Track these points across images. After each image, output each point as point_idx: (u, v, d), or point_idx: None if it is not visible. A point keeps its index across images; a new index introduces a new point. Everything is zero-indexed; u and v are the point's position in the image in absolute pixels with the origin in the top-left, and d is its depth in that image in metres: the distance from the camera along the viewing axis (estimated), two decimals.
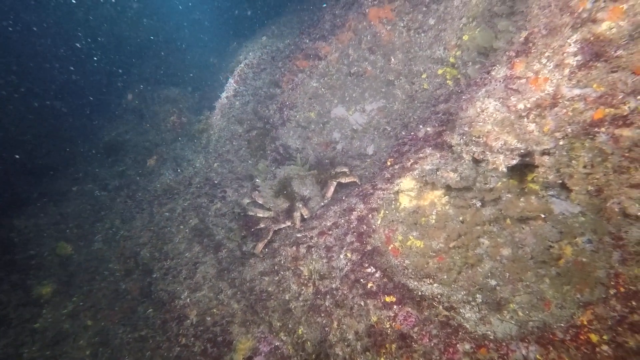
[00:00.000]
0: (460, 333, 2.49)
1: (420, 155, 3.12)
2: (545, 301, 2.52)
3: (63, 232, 5.94)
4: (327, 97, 5.30)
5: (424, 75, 4.31)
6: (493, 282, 2.75)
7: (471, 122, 2.53)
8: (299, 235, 3.62)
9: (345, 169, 4.26)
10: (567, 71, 2.11)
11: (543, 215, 2.65)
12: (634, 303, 2.04)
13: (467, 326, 2.54)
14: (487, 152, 2.52)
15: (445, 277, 2.87)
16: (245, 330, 3.46)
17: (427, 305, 2.68)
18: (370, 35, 4.79)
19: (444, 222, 3.01)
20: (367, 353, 2.70)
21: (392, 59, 4.65)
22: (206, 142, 6.26)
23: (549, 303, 2.50)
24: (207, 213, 4.98)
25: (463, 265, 2.86)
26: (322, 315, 3.01)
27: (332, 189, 4.15)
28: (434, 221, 3.08)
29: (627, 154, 1.95)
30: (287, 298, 3.31)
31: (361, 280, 2.94)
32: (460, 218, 2.98)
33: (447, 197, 3.08)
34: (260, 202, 4.53)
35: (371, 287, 2.87)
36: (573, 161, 2.23)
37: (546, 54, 2.20)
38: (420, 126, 3.52)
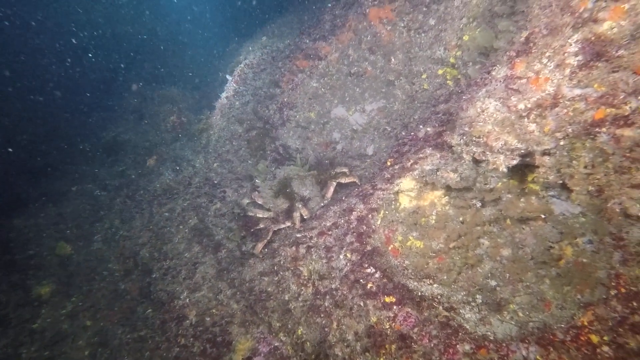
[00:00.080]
0: (460, 334, 2.49)
1: (420, 155, 3.11)
2: (545, 302, 2.51)
3: (62, 232, 5.93)
4: (327, 97, 5.29)
5: (424, 76, 4.31)
6: (493, 283, 2.74)
7: (471, 122, 2.53)
8: (298, 235, 3.61)
9: (345, 170, 4.25)
10: (568, 71, 2.10)
11: (543, 216, 2.65)
12: (634, 304, 2.03)
13: (467, 327, 2.53)
14: (488, 153, 2.51)
15: (445, 277, 2.86)
16: (245, 330, 3.45)
17: (427, 306, 2.67)
18: (371, 35, 4.78)
19: (444, 222, 3.00)
20: (367, 354, 2.70)
21: (392, 59, 4.64)
22: (206, 142, 6.25)
23: (549, 304, 2.49)
24: (206, 213, 4.97)
25: (463, 266, 2.85)
26: (322, 315, 3.01)
27: (331, 189, 4.14)
28: (434, 221, 3.07)
29: (628, 154, 1.94)
30: (286, 298, 3.30)
31: (361, 280, 2.93)
32: (460, 218, 2.97)
33: (447, 197, 3.08)
34: (259, 202, 4.52)
35: (371, 287, 2.86)
36: (574, 161, 2.22)
37: (547, 54, 2.19)
38: (421, 126, 3.52)
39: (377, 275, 2.90)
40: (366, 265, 2.98)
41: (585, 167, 2.17)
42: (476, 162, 2.72)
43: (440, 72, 4.10)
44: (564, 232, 2.55)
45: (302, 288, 3.25)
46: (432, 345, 2.50)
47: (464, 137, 2.61)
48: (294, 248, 3.49)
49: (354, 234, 3.22)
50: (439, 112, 3.51)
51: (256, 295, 3.53)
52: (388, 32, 4.62)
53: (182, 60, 11.99)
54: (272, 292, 3.43)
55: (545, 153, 2.34)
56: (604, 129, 2.01)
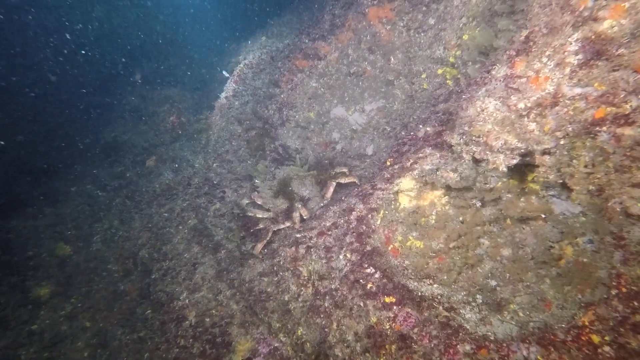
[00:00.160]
0: (461, 334, 2.48)
1: (420, 155, 3.10)
2: (546, 302, 2.50)
3: (62, 233, 5.92)
4: (327, 97, 5.28)
5: (423, 75, 4.30)
6: (493, 283, 2.73)
7: (471, 122, 2.52)
8: (298, 235, 3.60)
9: (345, 169, 4.24)
10: (568, 70, 2.10)
11: (543, 216, 2.64)
12: (636, 303, 2.02)
13: (468, 327, 2.52)
14: (487, 152, 2.50)
15: (445, 277, 2.85)
16: (244, 331, 3.44)
17: (427, 306, 2.66)
18: (370, 35, 4.77)
19: (443, 222, 3.00)
20: (367, 354, 2.69)
21: (392, 59, 4.63)
22: (205, 143, 6.24)
23: (550, 304, 2.48)
24: (206, 213, 4.96)
25: (463, 266, 2.85)
26: (322, 316, 3.00)
27: (331, 189, 4.13)
28: (433, 221, 3.06)
29: (628, 153, 1.93)
30: (286, 299, 3.29)
31: (361, 280, 2.92)
32: (460, 218, 2.96)
33: (447, 197, 3.07)
34: (259, 202, 4.51)
35: (371, 287, 2.85)
36: (574, 160, 2.21)
37: (547, 53, 2.18)
38: (420, 126, 3.51)
39: (377, 275, 2.89)
40: (366, 266, 2.97)
41: (586, 166, 2.16)
42: (476, 161, 2.71)
43: (439, 71, 4.09)
44: (565, 232, 2.54)
45: (302, 288, 3.24)
46: (433, 345, 2.49)
47: (464, 137, 2.60)
48: (293, 248, 3.48)
49: (354, 234, 3.21)
50: (438, 112, 3.50)
51: (256, 296, 3.52)
52: (387, 31, 4.61)
53: (182, 61, 11.97)
54: (272, 292, 3.42)
55: (545, 152, 2.33)
56: (604, 128, 2.00)
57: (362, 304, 2.82)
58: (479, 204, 2.90)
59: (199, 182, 5.54)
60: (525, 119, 2.30)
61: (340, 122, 5.18)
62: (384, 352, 2.61)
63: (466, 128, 2.55)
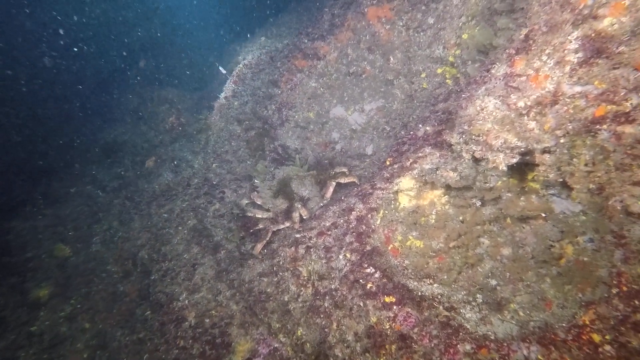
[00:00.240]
0: (461, 333, 2.47)
1: (420, 154, 3.09)
2: (546, 301, 2.50)
3: (61, 234, 5.90)
4: (326, 97, 5.28)
5: (423, 75, 4.29)
6: (493, 282, 2.72)
7: (471, 121, 2.51)
8: (297, 235, 3.59)
9: (345, 169, 4.23)
10: (568, 68, 2.09)
11: (544, 215, 2.63)
12: (637, 302, 2.01)
13: (468, 326, 2.51)
14: (487, 151, 2.49)
15: (445, 277, 2.84)
16: (244, 331, 3.43)
17: (427, 306, 2.65)
18: (369, 34, 4.77)
19: (443, 221, 2.99)
20: (367, 354, 2.68)
21: (391, 59, 4.63)
22: (205, 143, 6.23)
23: (550, 303, 2.47)
24: (205, 214, 4.94)
25: (463, 265, 2.84)
26: (322, 316, 2.99)
27: (331, 189, 4.12)
28: (433, 221, 3.05)
29: (629, 151, 1.92)
30: (286, 299, 3.28)
31: (360, 280, 2.91)
32: (460, 217, 2.96)
33: (446, 196, 3.06)
34: (259, 202, 4.50)
35: (370, 287, 2.84)
36: (574, 159, 2.21)
37: (547, 51, 2.17)
38: (420, 125, 3.50)
39: (376, 275, 2.88)
40: (366, 265, 2.96)
41: (586, 164, 2.15)
42: (476, 160, 2.71)
43: (439, 71, 4.08)
44: (565, 231, 2.54)
45: (302, 289, 3.23)
46: (433, 345, 2.48)
47: (464, 136, 2.59)
48: (293, 248, 3.47)
49: (354, 233, 3.20)
50: (438, 111, 3.49)
51: (255, 296, 3.51)
52: (387, 31, 4.60)
53: (181, 61, 11.97)
54: (272, 293, 3.41)
55: (545, 151, 2.33)
56: (604, 126, 1.99)
57: (362, 304, 2.82)
58: (479, 203, 2.90)
59: (199, 183, 5.53)
60: (525, 117, 2.29)
61: (340, 122, 5.17)
62: (384, 352, 2.60)
63: (466, 127, 2.55)
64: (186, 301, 3.94)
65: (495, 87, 2.42)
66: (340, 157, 4.90)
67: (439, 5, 4.06)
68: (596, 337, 2.11)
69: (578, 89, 2.07)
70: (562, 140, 2.22)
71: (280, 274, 3.44)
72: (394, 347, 2.58)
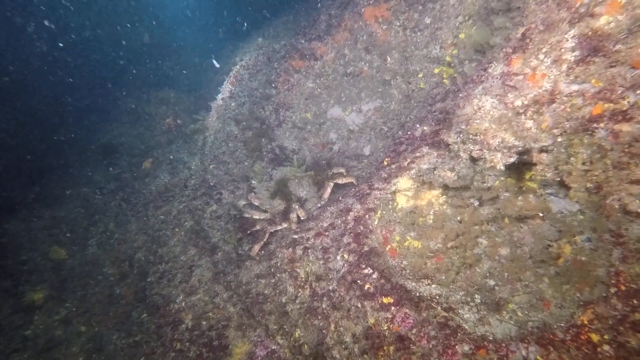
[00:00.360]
0: (459, 334, 2.45)
1: (417, 154, 3.08)
2: (544, 301, 2.48)
3: (56, 237, 5.86)
4: (323, 98, 5.26)
5: (420, 75, 4.29)
6: (492, 282, 2.71)
7: (468, 120, 2.50)
8: (295, 236, 3.57)
9: (342, 170, 4.22)
10: (564, 67, 2.08)
11: (541, 214, 2.62)
12: (635, 302, 2.00)
13: (466, 327, 2.50)
14: (485, 150, 2.48)
15: (443, 277, 2.83)
16: (242, 334, 3.40)
17: (425, 306, 2.63)
18: (366, 34, 4.76)
19: (441, 222, 2.97)
20: (365, 356, 2.65)
21: (388, 59, 4.62)
22: (202, 144, 6.20)
23: (549, 303, 2.46)
24: (202, 215, 4.91)
25: (461, 266, 2.82)
26: (319, 317, 2.96)
27: (329, 190, 4.10)
28: (431, 221, 3.04)
29: (627, 150, 1.91)
30: (283, 301, 3.26)
31: (358, 281, 2.89)
32: (458, 218, 2.94)
33: (444, 196, 3.05)
34: (256, 203, 4.48)
35: (368, 288, 2.82)
36: (571, 158, 2.20)
37: (543, 50, 2.17)
38: (417, 125, 3.49)
39: (374, 276, 2.87)
40: (363, 266, 2.95)
41: (584, 163, 2.14)
42: (473, 160, 2.70)
43: (436, 70, 4.08)
44: (563, 230, 2.53)
45: (299, 290, 3.21)
46: (431, 346, 2.46)
47: (461, 135, 2.58)
48: (290, 249, 3.45)
49: (351, 234, 3.18)
50: (435, 111, 3.48)
51: (253, 298, 3.48)
52: (384, 31, 4.60)
53: (178, 62, 11.93)
54: (269, 294, 3.38)
55: (542, 150, 2.32)
56: (602, 125, 1.98)
57: (359, 305, 2.80)
58: (476, 203, 2.89)
59: (196, 184, 5.50)
60: (523, 116, 2.29)
61: (337, 123, 5.16)
62: (382, 353, 2.58)
63: (463, 126, 2.54)
64: (183, 303, 3.91)
65: (493, 86, 2.41)
66: (338, 157, 4.88)
67: (436, 5, 4.06)
68: (595, 337, 2.10)
69: (575, 87, 2.06)
70: (559, 139, 2.21)
71: (278, 275, 3.42)
72: (392, 348, 2.56)
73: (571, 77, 2.07)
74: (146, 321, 4.08)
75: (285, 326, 3.16)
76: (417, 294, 2.73)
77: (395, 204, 3.18)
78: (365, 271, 2.92)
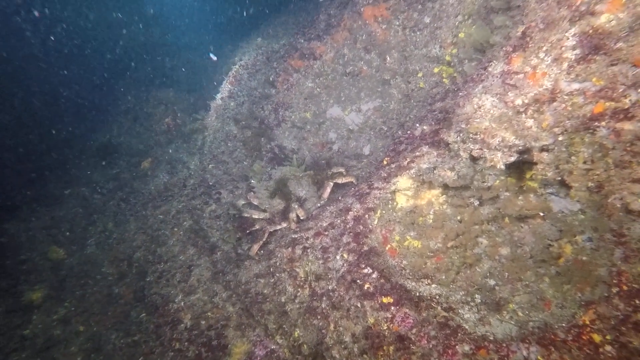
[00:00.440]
0: (460, 334, 2.44)
1: (417, 153, 3.07)
2: (545, 301, 2.47)
3: (55, 236, 5.84)
4: (323, 97, 5.25)
5: (420, 74, 4.27)
6: (492, 282, 2.70)
7: (468, 119, 2.49)
8: (294, 236, 3.56)
9: (342, 169, 4.21)
10: (565, 65, 2.07)
11: (542, 214, 2.61)
12: (637, 302, 1.99)
13: (466, 327, 2.48)
14: (485, 150, 2.47)
15: (443, 277, 2.81)
16: (241, 333, 3.39)
17: (425, 306, 2.62)
18: (366, 34, 4.75)
19: (441, 221, 2.96)
20: (365, 355, 2.64)
21: (388, 58, 4.61)
22: (201, 144, 6.19)
23: (549, 303, 2.45)
24: (201, 215, 4.90)
25: (461, 265, 2.81)
26: (319, 317, 2.95)
27: (328, 189, 4.09)
28: (431, 221, 3.02)
29: (629, 148, 1.90)
30: (282, 300, 3.24)
31: (358, 281, 2.88)
32: (458, 217, 2.93)
33: (444, 196, 3.03)
34: (255, 203, 4.47)
35: (368, 288, 2.81)
36: (572, 157, 2.18)
37: (544, 48, 2.16)
38: (417, 125, 3.48)
39: (374, 275, 2.85)
40: (363, 266, 2.93)
41: (585, 162, 2.13)
42: (473, 159, 2.68)
43: (436, 70, 4.07)
44: (563, 230, 2.51)
45: (299, 289, 3.20)
46: (431, 346, 2.45)
47: (461, 134, 2.57)
48: (290, 249, 3.44)
49: (351, 234, 3.17)
50: (435, 110, 3.47)
51: (252, 298, 3.47)
52: (383, 30, 4.59)
53: (177, 62, 11.92)
54: (268, 294, 3.37)
55: (543, 149, 2.31)
56: (603, 123, 1.97)
57: (359, 305, 2.78)
58: (476, 202, 2.87)
59: (195, 184, 5.48)
60: (523, 115, 2.27)
61: (337, 122, 5.15)
62: (381, 353, 2.57)
63: (463, 125, 2.52)
64: (182, 303, 3.89)
65: (493, 84, 2.40)
66: (338, 157, 4.87)
67: (435, 4, 4.05)
68: (596, 337, 2.09)
69: (576, 86, 2.05)
70: (560, 138, 2.20)
71: (277, 275, 3.41)
72: (391, 348, 2.54)
73: (572, 76, 2.05)
74: (145, 321, 4.06)
75: (284, 326, 3.14)
76: (417, 294, 2.71)
77: (395, 203, 3.17)
78: (365, 271, 2.91)
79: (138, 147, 7.53)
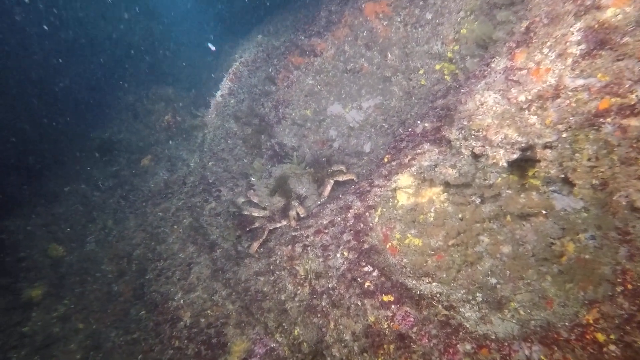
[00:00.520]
0: (461, 333, 2.41)
1: (418, 151, 3.04)
2: (547, 299, 2.45)
3: (54, 234, 5.82)
4: (323, 95, 5.22)
5: (421, 71, 4.24)
6: (493, 281, 2.67)
7: (470, 116, 2.46)
8: (294, 234, 3.54)
9: (342, 167, 4.18)
10: (570, 61, 2.04)
11: (544, 212, 2.58)
12: None
13: (468, 326, 2.46)
14: (487, 147, 2.44)
15: (444, 275, 2.79)
16: (240, 331, 3.37)
17: (426, 305, 2.60)
18: (367, 31, 4.71)
19: (442, 219, 2.93)
20: (365, 354, 2.62)
21: (389, 55, 4.57)
22: (201, 141, 6.16)
23: (552, 301, 2.42)
24: (201, 212, 4.88)
25: (462, 264, 2.78)
26: (319, 315, 2.93)
27: (329, 187, 4.07)
28: (432, 219, 3.00)
29: (635, 145, 1.87)
30: (282, 298, 3.22)
31: (358, 279, 2.86)
32: (460, 215, 2.90)
33: (445, 194, 3.01)
34: (255, 200, 4.44)
35: (368, 286, 2.79)
36: (576, 154, 2.15)
37: (548, 44, 2.12)
38: (418, 122, 3.45)
39: (374, 273, 2.83)
40: (363, 264, 2.91)
41: (589, 159, 2.10)
42: (475, 157, 2.65)
43: (437, 67, 4.03)
44: (566, 228, 2.49)
45: (299, 288, 3.17)
46: (432, 345, 2.42)
47: (463, 132, 2.54)
48: (290, 247, 3.41)
49: (351, 232, 3.15)
50: (436, 108, 3.44)
51: (252, 296, 3.45)
52: (384, 27, 4.55)
53: (177, 59, 11.89)
54: (268, 292, 3.35)
55: (546, 146, 2.28)
56: (608, 120, 1.94)
57: (359, 303, 2.76)
58: (478, 200, 2.84)
59: (195, 181, 5.46)
60: (526, 112, 2.24)
61: (337, 120, 5.12)
62: (382, 352, 2.55)
63: (465, 122, 2.49)
64: (181, 301, 3.88)
65: (495, 81, 2.36)
66: (338, 154, 4.84)
67: (437, 0, 4.01)
68: (600, 337, 2.06)
69: (581, 81, 2.02)
70: (564, 135, 2.17)
71: (277, 272, 3.39)
72: (392, 346, 2.52)
73: (577, 71, 2.02)
74: (144, 318, 4.05)
75: (284, 324, 3.12)
76: (418, 292, 2.69)
77: (395, 201, 3.14)
78: (365, 269, 2.88)
79: (138, 144, 7.51)
